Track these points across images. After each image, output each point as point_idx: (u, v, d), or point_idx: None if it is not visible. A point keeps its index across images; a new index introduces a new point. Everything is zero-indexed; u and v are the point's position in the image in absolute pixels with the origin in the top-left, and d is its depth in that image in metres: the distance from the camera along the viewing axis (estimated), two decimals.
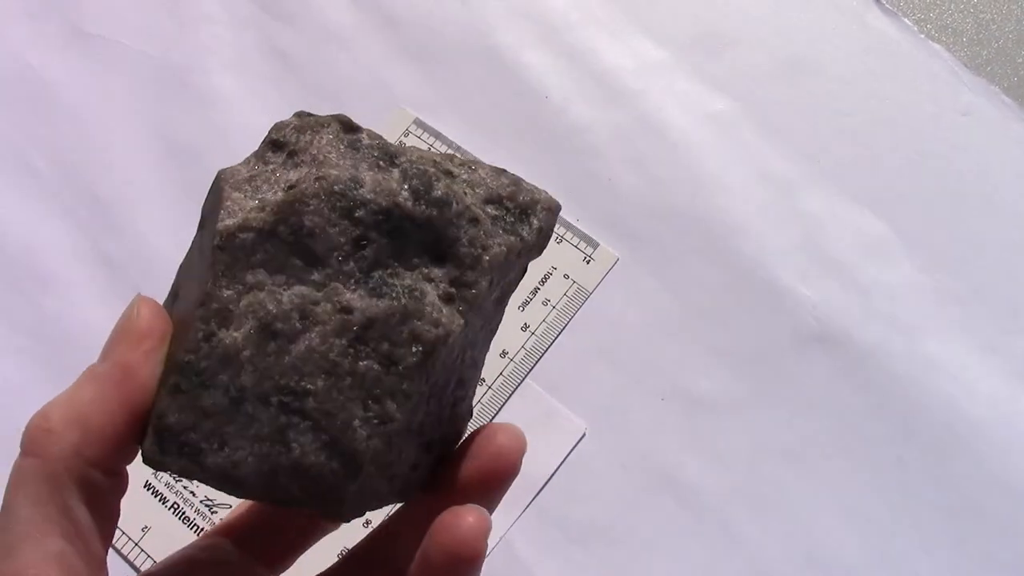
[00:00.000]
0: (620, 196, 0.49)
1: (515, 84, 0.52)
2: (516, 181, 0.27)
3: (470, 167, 0.27)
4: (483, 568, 0.24)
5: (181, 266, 0.28)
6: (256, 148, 0.27)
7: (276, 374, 0.24)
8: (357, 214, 0.25)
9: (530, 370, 0.46)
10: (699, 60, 0.51)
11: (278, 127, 0.27)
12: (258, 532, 0.30)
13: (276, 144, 0.27)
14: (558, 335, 0.47)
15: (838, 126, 0.50)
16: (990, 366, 0.45)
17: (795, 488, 0.44)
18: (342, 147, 0.26)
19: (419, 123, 0.51)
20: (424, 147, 0.50)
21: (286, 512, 0.30)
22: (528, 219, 0.27)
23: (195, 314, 0.24)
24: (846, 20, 0.51)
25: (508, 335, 0.47)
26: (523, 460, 0.27)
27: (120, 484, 0.25)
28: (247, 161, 0.27)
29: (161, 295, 0.50)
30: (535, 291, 0.47)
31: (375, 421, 0.24)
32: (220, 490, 0.24)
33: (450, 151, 0.50)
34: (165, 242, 0.50)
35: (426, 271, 0.25)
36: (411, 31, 0.53)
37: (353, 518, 0.25)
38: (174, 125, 0.53)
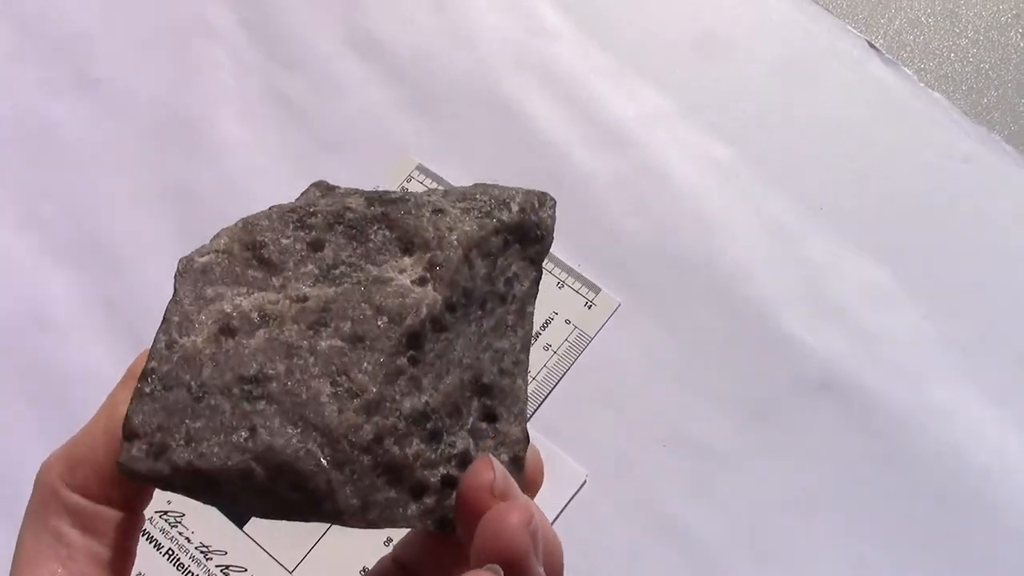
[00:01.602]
0: (622, 242, 0.49)
1: (518, 131, 0.52)
2: (496, 184, 0.27)
3: (453, 190, 0.28)
4: None
5: None
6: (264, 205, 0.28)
7: (236, 365, 0.24)
8: (310, 221, 0.26)
9: (531, 416, 0.46)
10: (701, 108, 0.52)
11: None
12: None
13: None
14: (559, 381, 0.47)
15: (840, 173, 0.50)
16: (997, 414, 0.45)
17: (800, 538, 0.43)
18: (314, 196, 0.28)
19: (422, 168, 0.51)
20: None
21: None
22: (506, 205, 0.27)
23: (158, 329, 0.25)
24: (847, 69, 0.52)
25: None
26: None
27: (129, 521, 0.25)
28: None
29: None
30: (536, 336, 0.47)
31: (345, 395, 0.23)
32: (200, 499, 0.24)
33: None
34: (168, 288, 0.50)
35: (396, 263, 0.26)
36: (416, 79, 0.54)
37: (361, 525, 0.24)
38: (179, 171, 0.53)
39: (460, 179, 0.51)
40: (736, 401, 0.46)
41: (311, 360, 0.24)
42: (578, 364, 0.47)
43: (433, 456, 0.25)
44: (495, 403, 0.26)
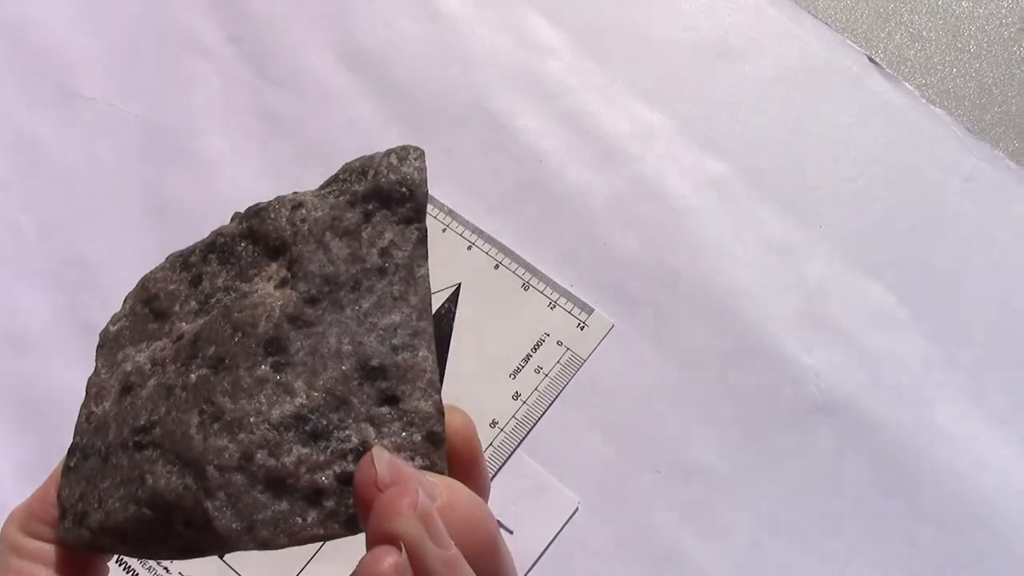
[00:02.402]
0: (616, 261, 0.48)
1: (510, 148, 0.51)
2: (361, 157, 0.27)
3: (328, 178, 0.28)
4: None
5: None
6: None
7: (131, 418, 0.24)
8: (191, 260, 0.27)
9: (521, 441, 0.45)
10: (697, 124, 0.51)
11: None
12: None
13: None
14: (551, 404, 0.45)
15: (839, 191, 0.48)
16: (1001, 437, 0.43)
17: (799, 566, 0.42)
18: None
19: None
20: None
21: None
22: (364, 175, 0.26)
23: (81, 405, 0.26)
24: (846, 85, 0.51)
25: (499, 404, 0.45)
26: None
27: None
28: None
29: None
30: (527, 358, 0.46)
31: (209, 420, 0.23)
32: (126, 553, 0.24)
33: (442, 214, 0.49)
34: None
35: (265, 272, 0.26)
36: (406, 94, 0.53)
37: (255, 547, 0.23)
38: (164, 188, 0.52)
39: (450, 195, 0.50)
40: (733, 424, 0.45)
41: (184, 396, 0.24)
42: (570, 387, 0.46)
43: (321, 457, 0.24)
44: (392, 383, 0.25)
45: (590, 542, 0.43)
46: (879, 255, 0.47)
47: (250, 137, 0.53)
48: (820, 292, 0.46)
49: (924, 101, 0.50)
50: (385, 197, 0.26)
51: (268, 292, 0.25)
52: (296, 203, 0.26)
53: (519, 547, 0.43)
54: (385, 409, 0.24)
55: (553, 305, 0.47)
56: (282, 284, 0.25)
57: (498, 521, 0.43)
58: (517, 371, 0.45)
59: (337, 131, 0.52)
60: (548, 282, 0.47)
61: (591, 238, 0.48)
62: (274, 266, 0.25)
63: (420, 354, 0.25)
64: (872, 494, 0.43)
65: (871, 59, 0.51)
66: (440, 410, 0.25)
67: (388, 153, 0.26)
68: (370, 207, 0.26)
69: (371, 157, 0.26)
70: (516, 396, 0.45)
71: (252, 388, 0.24)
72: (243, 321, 0.24)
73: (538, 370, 0.46)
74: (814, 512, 0.43)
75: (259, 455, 0.23)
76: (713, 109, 0.51)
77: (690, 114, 0.51)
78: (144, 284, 0.27)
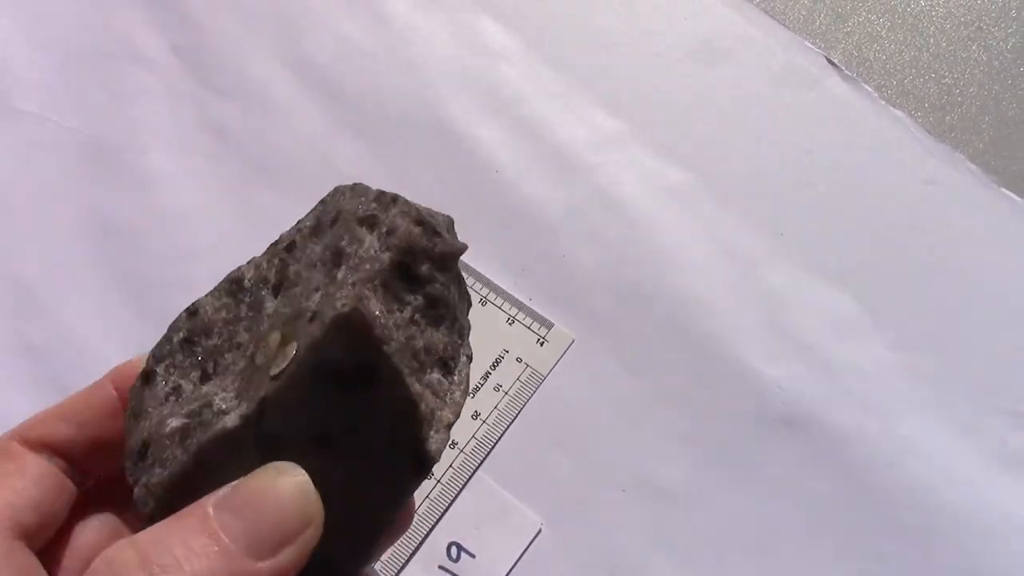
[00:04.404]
0: (576, 274, 0.47)
1: (465, 158, 0.49)
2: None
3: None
4: None
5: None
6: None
7: None
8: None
9: (482, 462, 0.43)
10: (655, 131, 0.49)
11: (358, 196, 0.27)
12: None
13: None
14: (511, 423, 0.44)
15: (800, 197, 0.48)
16: (968, 448, 0.43)
17: None
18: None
19: None
20: None
21: None
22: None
23: None
24: (805, 87, 0.50)
25: (457, 424, 0.43)
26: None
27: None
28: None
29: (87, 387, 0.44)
30: (486, 376, 0.44)
31: None
32: None
33: None
34: (93, 331, 0.47)
35: None
36: (356, 104, 0.51)
37: None
38: (106, 205, 0.50)
39: None
40: (697, 440, 0.44)
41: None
42: (531, 405, 0.44)
43: None
44: None
45: (553, 565, 0.42)
46: (841, 262, 0.46)
47: (195, 151, 0.51)
48: (782, 302, 0.46)
49: (884, 103, 0.49)
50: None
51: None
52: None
53: (480, 572, 0.41)
54: None
55: (512, 320, 0.45)
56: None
57: (459, 544, 0.42)
58: (476, 389, 0.44)
59: (286, 143, 0.51)
60: (506, 297, 0.46)
61: (550, 250, 0.47)
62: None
63: None
64: (839, 509, 0.42)
65: (829, 60, 0.50)
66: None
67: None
68: None
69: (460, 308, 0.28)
70: (475, 415, 0.44)
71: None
72: None
73: (497, 388, 0.44)
74: (782, 528, 0.42)
75: None
76: (670, 115, 0.50)
77: (648, 121, 0.50)
78: None
